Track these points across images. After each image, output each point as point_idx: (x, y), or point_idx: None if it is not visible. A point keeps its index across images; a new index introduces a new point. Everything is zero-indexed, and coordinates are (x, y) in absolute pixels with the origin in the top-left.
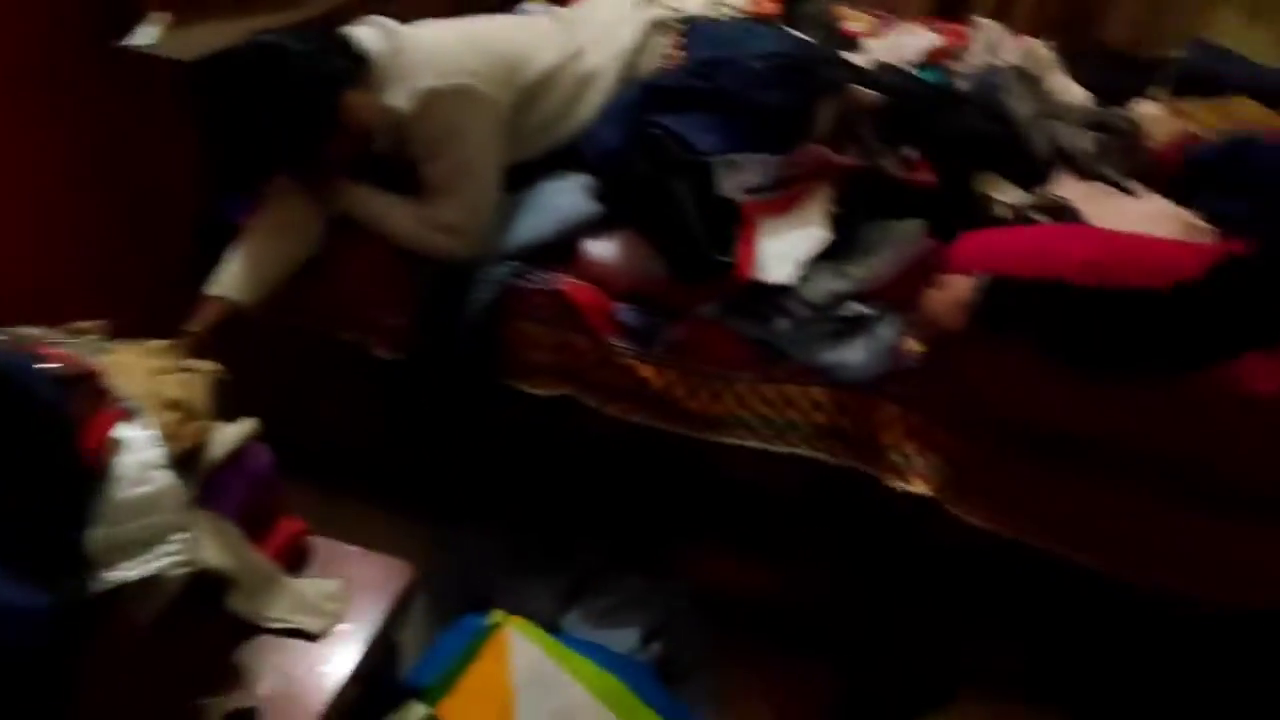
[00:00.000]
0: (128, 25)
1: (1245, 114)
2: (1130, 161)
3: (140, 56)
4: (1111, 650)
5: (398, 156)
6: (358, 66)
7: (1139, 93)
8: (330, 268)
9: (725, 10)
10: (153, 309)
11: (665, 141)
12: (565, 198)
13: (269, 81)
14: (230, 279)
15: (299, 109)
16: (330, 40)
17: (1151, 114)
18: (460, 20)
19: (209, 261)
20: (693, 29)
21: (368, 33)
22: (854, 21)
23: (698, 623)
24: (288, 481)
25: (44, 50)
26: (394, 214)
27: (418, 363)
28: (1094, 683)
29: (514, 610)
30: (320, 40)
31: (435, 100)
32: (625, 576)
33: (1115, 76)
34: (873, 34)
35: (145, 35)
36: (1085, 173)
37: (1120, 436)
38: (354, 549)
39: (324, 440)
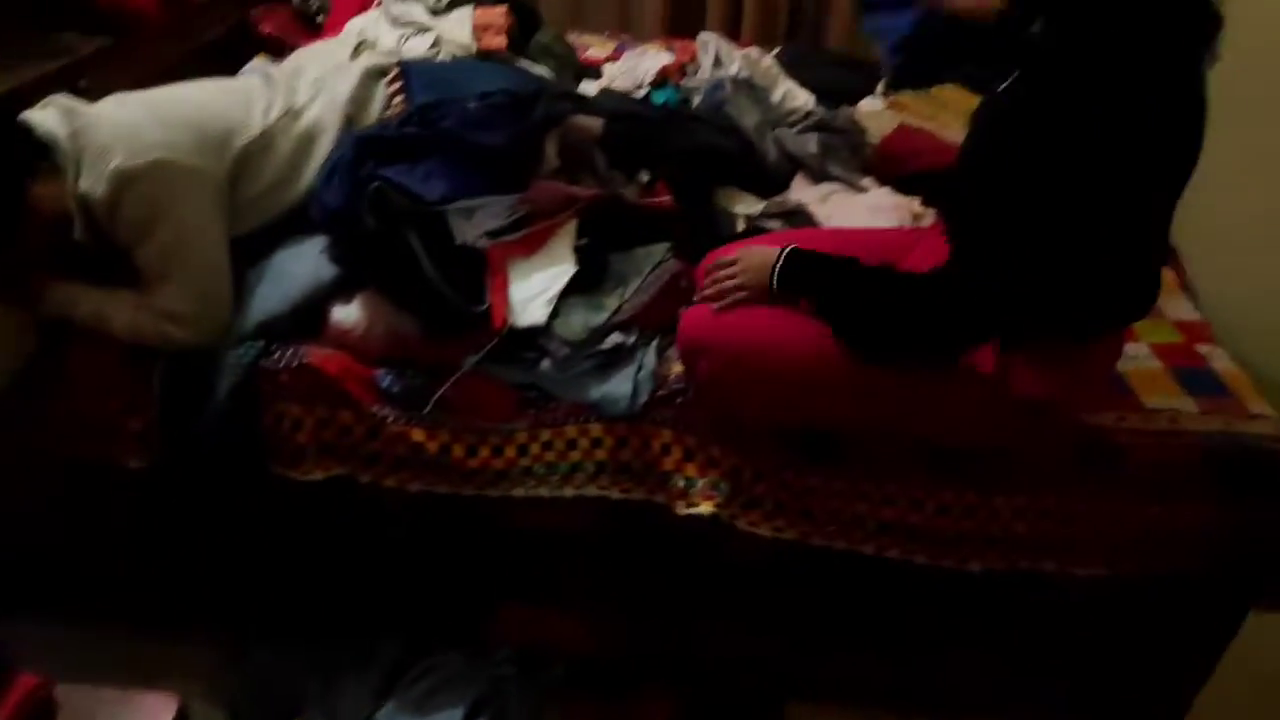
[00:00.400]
0: None
1: (950, 99)
2: (857, 159)
3: None
4: (930, 636)
5: (105, 245)
6: (41, 154)
7: (862, 93)
8: (56, 378)
9: (450, 49)
10: None
11: (390, 195)
12: (303, 264)
13: None
14: None
15: None
16: (6, 129)
17: (871, 111)
18: (152, 91)
19: None
20: (409, 73)
21: (48, 115)
22: (596, 48)
23: (525, 687)
24: (39, 627)
25: None
26: (112, 309)
27: (170, 468)
28: (917, 678)
29: (327, 717)
30: None
31: (129, 180)
32: (443, 655)
33: (839, 79)
34: (613, 59)
35: None
36: (817, 175)
37: (874, 426)
38: (109, 692)
39: (80, 571)
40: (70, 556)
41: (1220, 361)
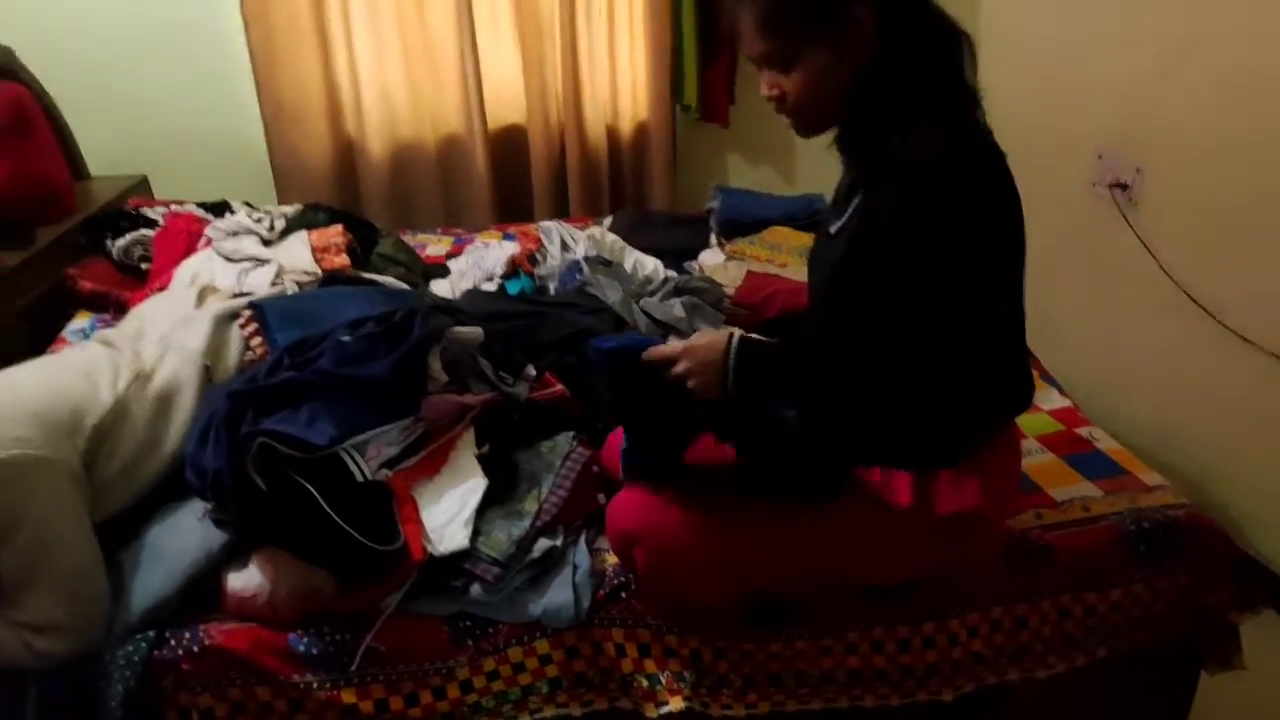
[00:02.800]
0: None
1: (785, 239)
2: (720, 312)
3: None
4: None
5: None
6: None
7: (696, 247)
8: None
9: (294, 278)
10: None
11: (275, 447)
12: (184, 537)
13: None
14: None
15: None
16: None
17: (715, 264)
18: None
19: None
20: (263, 312)
21: None
22: (433, 245)
23: None
24: None
25: None
26: None
27: None
28: None
29: None
30: None
31: None
32: None
33: (675, 238)
34: (454, 254)
35: None
36: (687, 335)
37: (815, 581)
38: None
39: None
40: None
41: (1104, 442)
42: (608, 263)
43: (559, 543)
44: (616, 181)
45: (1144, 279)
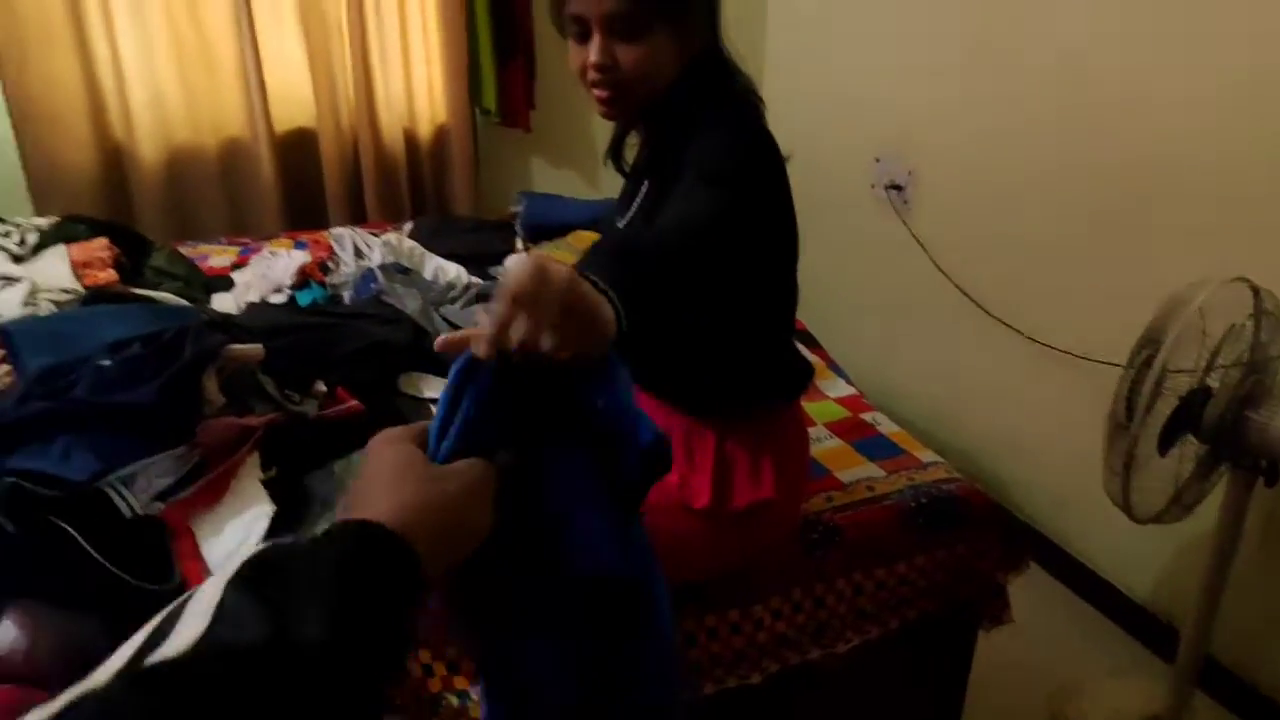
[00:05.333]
0: None
1: (588, 244)
2: None
3: None
4: None
5: None
6: None
7: (502, 252)
8: None
9: (50, 296)
10: None
11: (25, 487)
12: None
13: None
14: None
15: None
16: None
17: None
18: None
19: None
20: (10, 337)
21: None
22: (216, 256)
23: None
24: None
25: None
26: None
27: None
28: None
29: None
30: None
31: None
32: None
33: (479, 243)
34: (239, 264)
35: None
36: None
37: None
38: None
39: None
40: None
41: (885, 425)
42: (406, 270)
43: None
44: (416, 186)
45: (919, 274)
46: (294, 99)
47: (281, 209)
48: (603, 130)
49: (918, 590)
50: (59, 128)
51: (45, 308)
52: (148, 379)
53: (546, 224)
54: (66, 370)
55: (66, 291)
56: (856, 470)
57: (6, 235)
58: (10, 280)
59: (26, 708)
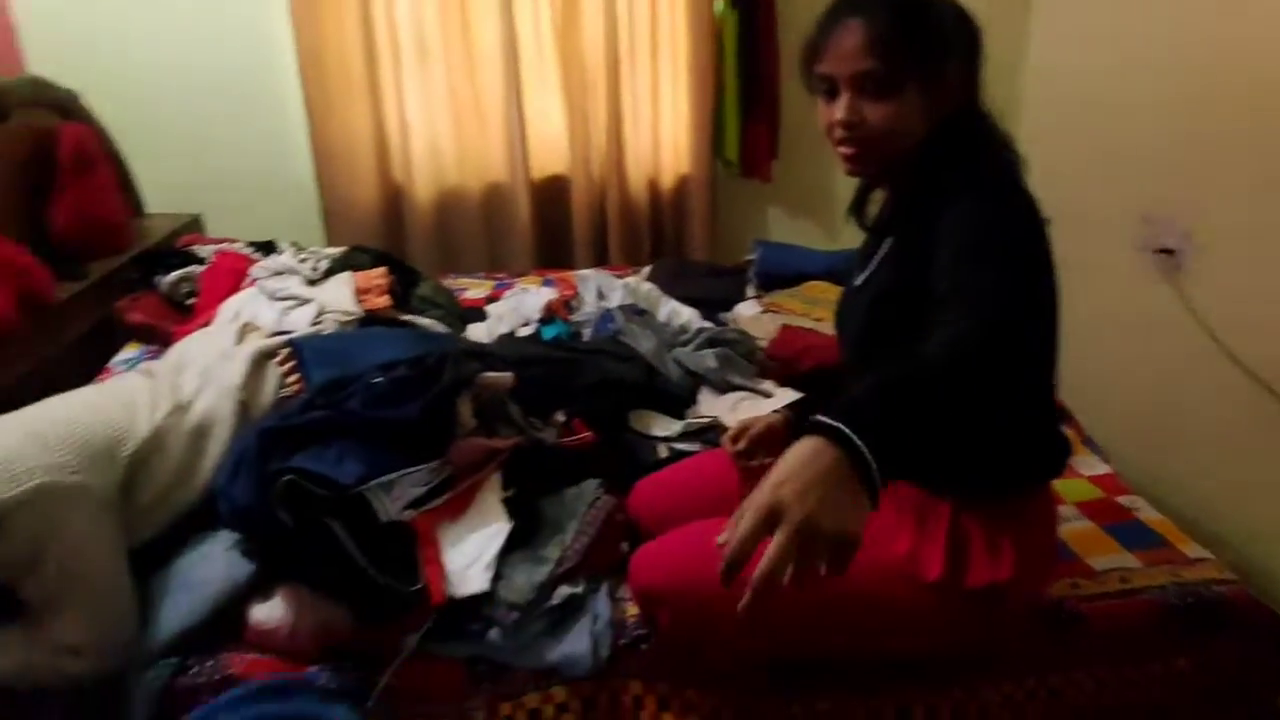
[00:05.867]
0: None
1: (824, 294)
2: (753, 365)
3: None
4: None
5: None
6: None
7: (733, 298)
8: None
9: (334, 318)
10: None
11: (303, 484)
12: (213, 567)
13: None
14: None
15: None
16: None
17: (751, 315)
18: (23, 412)
19: None
20: (300, 351)
21: None
22: (474, 289)
23: None
24: None
25: None
26: None
27: None
28: None
29: None
30: None
31: (10, 512)
32: None
33: (712, 288)
34: (494, 298)
35: None
36: (719, 386)
37: (842, 653)
38: None
39: None
40: None
41: (1145, 512)
42: (642, 311)
43: (580, 590)
44: (656, 232)
45: (1193, 347)
46: (551, 149)
47: (533, 249)
48: (844, 183)
49: (1171, 697)
50: (351, 169)
51: (330, 327)
52: (412, 398)
53: (781, 272)
54: (345, 384)
55: (348, 314)
56: (1110, 558)
57: (303, 261)
58: (303, 301)
59: (281, 678)
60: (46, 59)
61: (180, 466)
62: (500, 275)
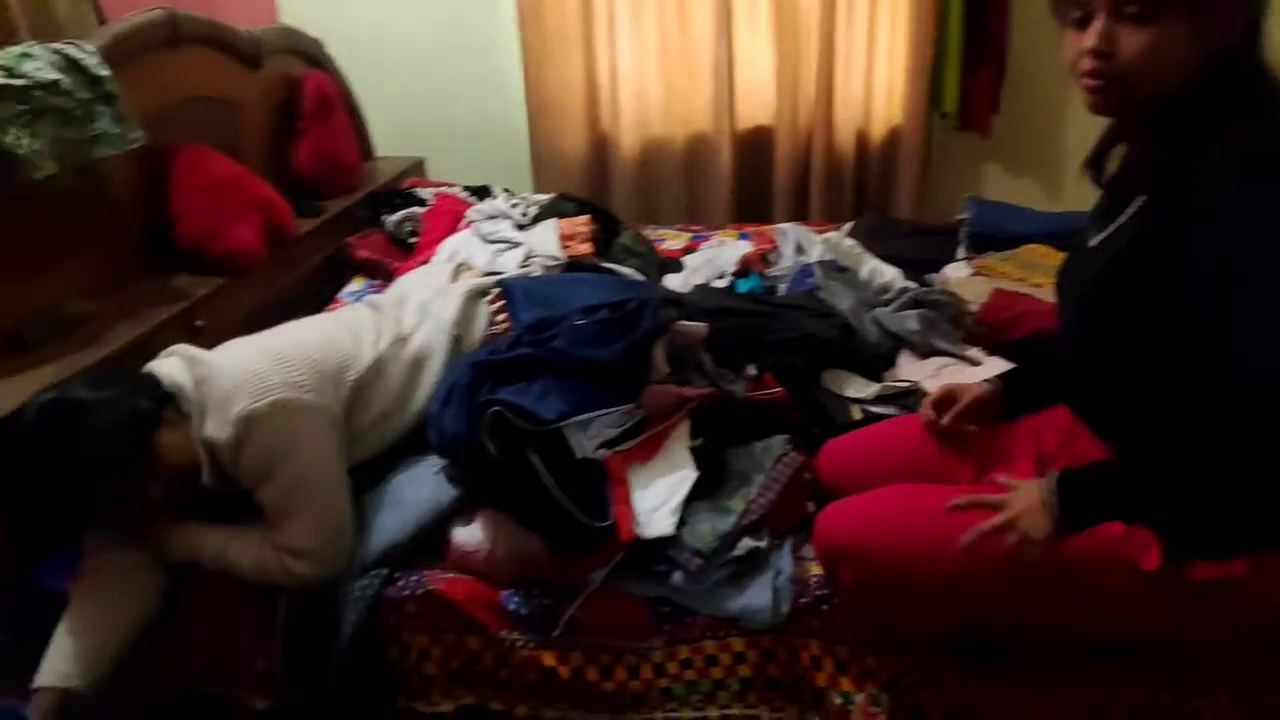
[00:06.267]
0: None
1: (1043, 259)
2: (959, 330)
3: None
4: None
5: (229, 487)
6: (166, 404)
7: (941, 259)
8: (180, 616)
9: (541, 261)
10: None
11: (508, 417)
12: (421, 489)
13: (64, 440)
14: (61, 663)
15: (103, 463)
16: (131, 381)
17: (960, 278)
18: (267, 334)
19: (37, 639)
20: (510, 292)
21: (172, 365)
22: (671, 240)
23: None
24: None
25: None
26: (236, 549)
27: (294, 706)
28: None
29: None
30: (119, 383)
31: (252, 422)
32: None
33: (918, 248)
34: (690, 249)
35: None
36: (920, 350)
37: (1037, 628)
38: None
39: None
40: None
41: None
42: (842, 268)
43: (763, 544)
44: (861, 188)
45: None
46: (757, 98)
47: (732, 202)
48: (1071, 140)
49: None
50: (561, 118)
51: (536, 270)
52: (611, 341)
53: (996, 234)
54: (550, 324)
55: (553, 259)
56: None
57: (515, 206)
58: (513, 244)
59: (479, 600)
60: (295, 8)
61: (397, 394)
62: (697, 227)
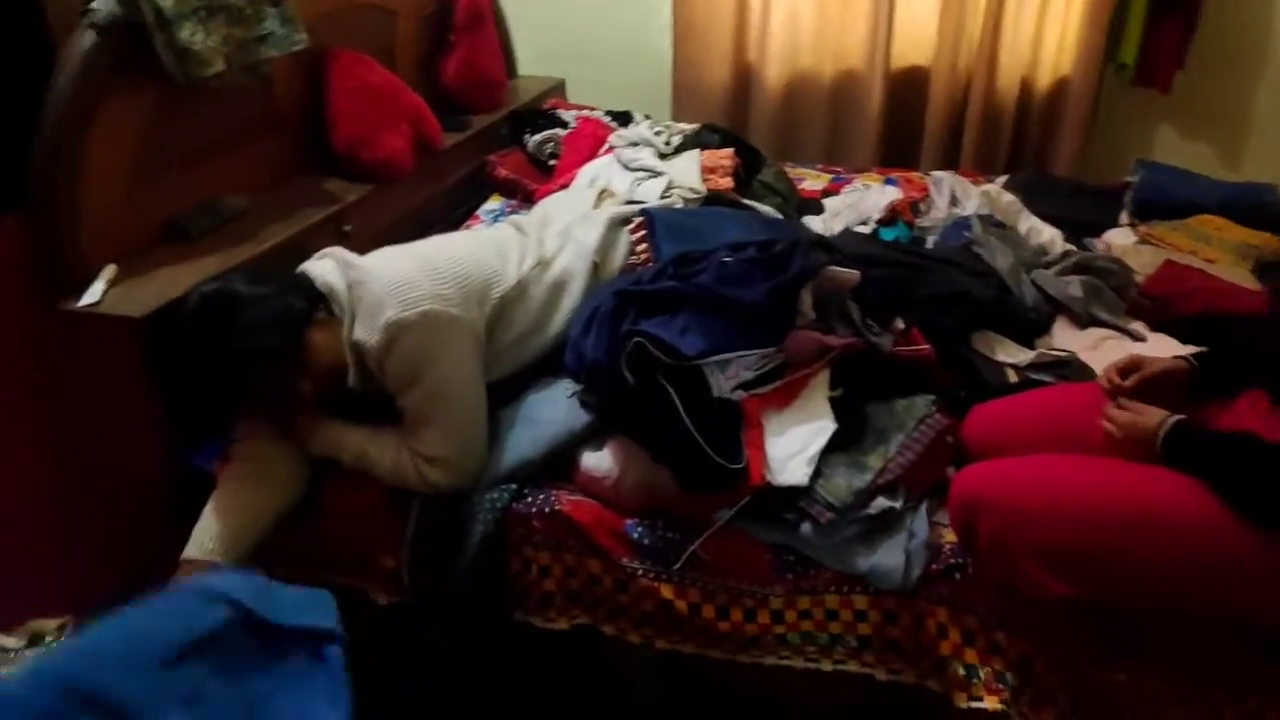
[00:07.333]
0: (78, 285)
1: (1217, 232)
2: (1124, 300)
3: (90, 315)
4: None
5: (372, 390)
6: (318, 304)
7: (1102, 223)
8: (317, 509)
9: (680, 193)
10: (129, 575)
11: (650, 349)
12: (554, 410)
13: (221, 330)
14: (206, 540)
15: (257, 356)
16: (287, 280)
17: (1126, 245)
18: (419, 244)
19: (185, 516)
20: (652, 221)
21: (325, 267)
22: (811, 180)
23: None
24: None
25: None
26: (375, 450)
27: (418, 607)
28: None
29: None
30: (275, 280)
31: (401, 330)
32: None
33: (1079, 209)
34: (830, 191)
35: (92, 295)
36: (1081, 319)
37: (1193, 606)
38: None
39: None
40: None
41: None
42: (1000, 225)
43: (898, 505)
44: (1019, 140)
45: None
46: (916, 37)
47: (877, 144)
48: (1263, 104)
49: None
50: (707, 45)
51: (676, 202)
52: (757, 281)
53: (1166, 200)
54: (695, 259)
55: (694, 191)
56: None
57: (658, 134)
58: (654, 173)
59: (604, 525)
60: None
61: (536, 315)
62: (838, 169)
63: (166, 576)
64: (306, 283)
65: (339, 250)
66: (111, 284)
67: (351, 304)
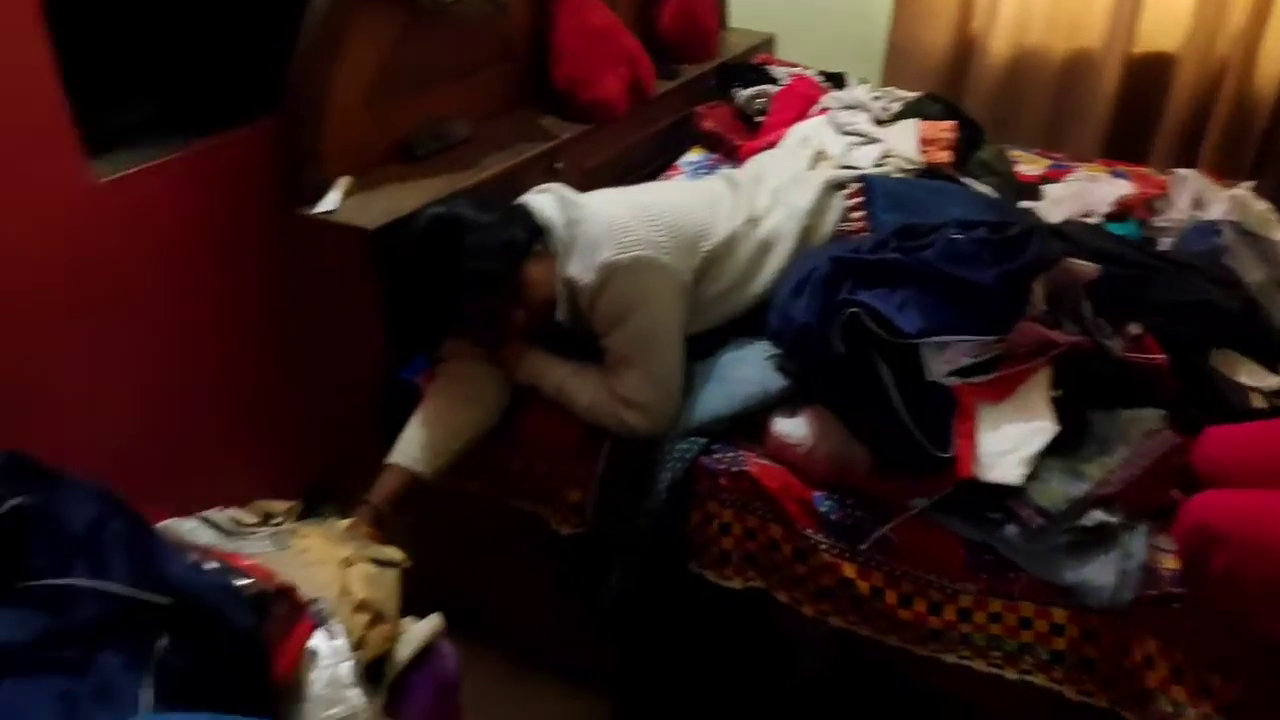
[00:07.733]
0: (315, 193)
1: None
2: None
3: (324, 222)
4: None
5: (579, 327)
6: (537, 237)
7: None
8: (512, 435)
9: (896, 163)
10: (337, 470)
11: (865, 321)
12: (750, 369)
13: (447, 252)
14: (411, 448)
15: (477, 280)
16: (509, 210)
17: None
18: (636, 190)
19: (393, 423)
20: (871, 189)
21: (546, 202)
22: (1025, 164)
23: None
24: (464, 647)
25: (234, 219)
26: (575, 385)
27: (598, 543)
28: None
29: None
30: (499, 210)
31: (615, 272)
32: None
33: None
34: (1048, 178)
35: (328, 203)
36: None
37: None
38: None
39: (499, 608)
40: (492, 593)
41: None
42: (1250, 234)
43: (1114, 520)
44: (1269, 140)
45: None
46: (1166, 19)
47: (1105, 133)
48: None
49: None
50: (929, 9)
51: (891, 171)
52: (987, 264)
53: None
54: (920, 233)
55: (911, 162)
56: None
57: (876, 99)
58: (869, 140)
59: (791, 493)
60: None
61: (742, 273)
62: (1058, 155)
63: (371, 476)
64: (527, 215)
65: (559, 186)
66: (346, 195)
67: (569, 241)
